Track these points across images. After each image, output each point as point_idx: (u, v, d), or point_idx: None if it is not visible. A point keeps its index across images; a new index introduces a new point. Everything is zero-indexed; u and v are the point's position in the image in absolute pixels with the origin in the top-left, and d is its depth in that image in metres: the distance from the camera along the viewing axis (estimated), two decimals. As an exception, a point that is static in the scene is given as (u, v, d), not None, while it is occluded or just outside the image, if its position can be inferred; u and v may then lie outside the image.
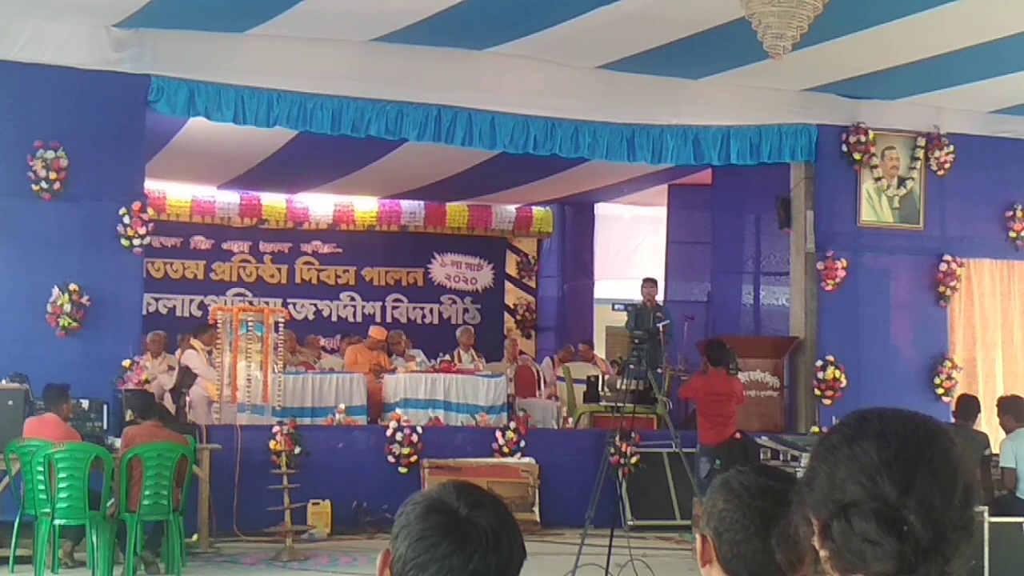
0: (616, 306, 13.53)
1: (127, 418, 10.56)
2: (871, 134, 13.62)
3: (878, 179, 13.75)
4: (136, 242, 11.57)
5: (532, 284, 20.17)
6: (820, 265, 13.53)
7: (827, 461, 1.68)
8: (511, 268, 20.07)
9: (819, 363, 13.41)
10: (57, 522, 9.21)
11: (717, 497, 2.33)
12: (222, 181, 17.03)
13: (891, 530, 1.60)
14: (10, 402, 10.08)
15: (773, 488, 2.30)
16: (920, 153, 13.84)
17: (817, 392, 13.41)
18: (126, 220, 11.48)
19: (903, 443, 1.66)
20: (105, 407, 10.78)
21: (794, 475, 2.32)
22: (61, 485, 9.12)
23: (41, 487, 9.14)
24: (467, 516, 1.96)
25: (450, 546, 1.93)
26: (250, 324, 12.60)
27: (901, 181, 13.83)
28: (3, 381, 10.38)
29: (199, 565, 10.24)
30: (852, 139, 13.56)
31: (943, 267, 13.89)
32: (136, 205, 11.58)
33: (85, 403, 10.53)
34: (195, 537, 10.70)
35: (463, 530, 1.95)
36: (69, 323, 11.16)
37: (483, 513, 1.97)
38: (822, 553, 1.66)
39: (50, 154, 11.20)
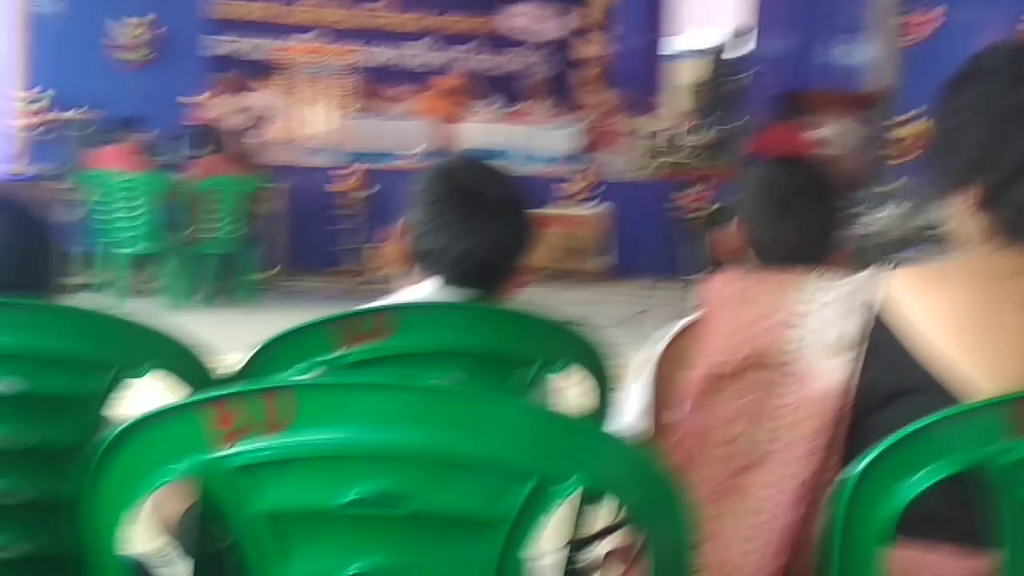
0: (691, 58, 13.25)
1: (192, 151, 10.56)
2: None
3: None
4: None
5: (603, 39, 19.74)
6: (903, 20, 13.05)
7: (979, 114, 1.48)
8: (582, 22, 19.62)
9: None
10: (130, 250, 9.28)
11: (745, 190, 2.55)
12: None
13: None
14: (83, 132, 10.10)
15: (791, 180, 2.48)
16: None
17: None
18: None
19: None
20: (176, 141, 10.76)
21: (814, 165, 2.53)
22: (135, 213, 9.16)
23: (118, 215, 9.19)
24: (475, 186, 2.13)
25: (459, 212, 2.11)
26: (320, 67, 12.46)
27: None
28: (71, 112, 10.37)
29: (276, 297, 10.30)
30: None
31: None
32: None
33: (156, 135, 10.51)
34: (276, 270, 10.78)
35: (472, 199, 2.11)
36: (140, 56, 11.08)
37: (492, 183, 2.13)
38: (974, 222, 1.49)
39: None
